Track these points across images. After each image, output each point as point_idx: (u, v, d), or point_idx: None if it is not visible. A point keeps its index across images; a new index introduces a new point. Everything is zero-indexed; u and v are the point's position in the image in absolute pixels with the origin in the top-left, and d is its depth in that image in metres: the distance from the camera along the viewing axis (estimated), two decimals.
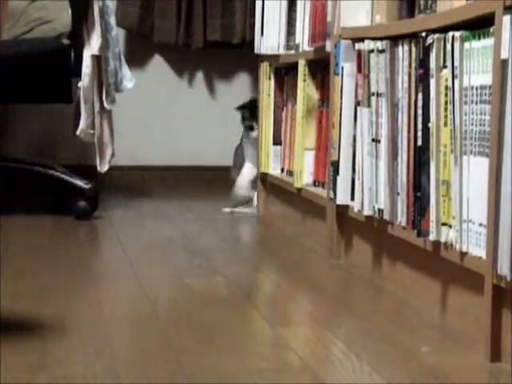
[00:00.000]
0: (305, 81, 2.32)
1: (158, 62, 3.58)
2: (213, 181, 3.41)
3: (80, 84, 2.64)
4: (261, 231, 2.68)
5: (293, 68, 2.46)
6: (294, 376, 1.26)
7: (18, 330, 1.44)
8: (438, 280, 1.57)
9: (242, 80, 3.60)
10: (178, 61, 3.58)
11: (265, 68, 2.76)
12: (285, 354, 1.36)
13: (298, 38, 2.42)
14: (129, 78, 2.84)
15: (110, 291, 1.77)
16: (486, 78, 1.35)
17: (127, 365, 1.30)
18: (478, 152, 1.38)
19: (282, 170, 2.62)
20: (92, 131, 2.67)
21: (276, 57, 2.62)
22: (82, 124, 2.66)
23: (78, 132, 2.67)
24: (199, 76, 3.61)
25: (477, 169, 1.39)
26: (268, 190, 2.80)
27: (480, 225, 1.37)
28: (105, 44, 2.65)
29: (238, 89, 3.57)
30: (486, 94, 1.36)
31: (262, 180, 2.81)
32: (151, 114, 3.57)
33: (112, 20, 2.72)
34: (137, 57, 3.52)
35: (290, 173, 2.50)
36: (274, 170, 2.68)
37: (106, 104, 2.67)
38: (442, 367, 1.29)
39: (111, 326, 1.49)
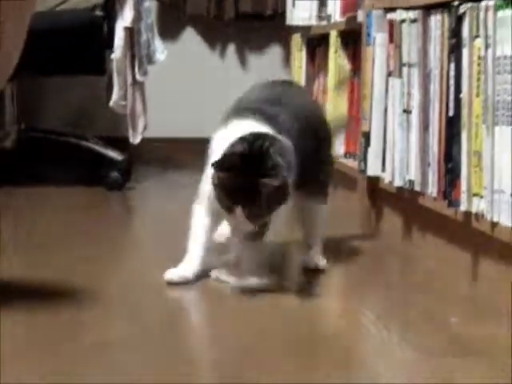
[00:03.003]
0: (336, 52, 2.31)
1: (190, 34, 3.58)
2: None
3: (113, 56, 2.65)
4: None
5: (324, 39, 2.46)
6: (323, 346, 1.27)
7: (51, 297, 1.46)
8: (469, 250, 1.57)
9: (274, 52, 3.59)
10: (209, 32, 3.58)
11: (296, 40, 2.76)
12: (315, 324, 1.37)
13: (330, 9, 2.41)
14: (161, 50, 2.84)
15: (141, 260, 1.79)
16: None
17: (159, 329, 1.32)
18: (510, 122, 1.38)
19: None
20: (124, 103, 2.69)
21: (307, 28, 2.62)
22: (115, 96, 2.68)
23: (110, 104, 2.69)
24: (231, 48, 3.60)
25: (509, 139, 1.38)
26: None
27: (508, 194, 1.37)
28: (137, 16, 2.66)
29: (269, 61, 3.56)
30: None
31: None
32: (183, 86, 3.57)
33: None
34: (169, 29, 3.53)
35: None
36: None
37: (138, 76, 2.68)
38: (472, 338, 1.29)
39: (142, 294, 1.51)
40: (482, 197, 1.47)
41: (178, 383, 1.09)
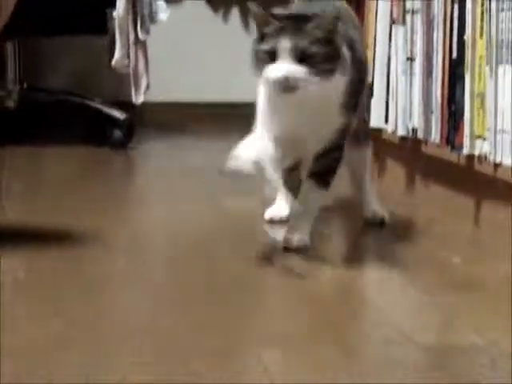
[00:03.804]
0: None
1: None
2: (245, 116, 3.40)
3: (115, 14, 2.64)
4: None
5: None
6: (327, 285, 1.27)
7: (57, 240, 1.46)
8: (472, 195, 1.56)
9: None
10: None
11: None
12: (318, 268, 1.37)
13: None
14: (164, 9, 2.83)
15: (144, 212, 1.79)
16: None
17: (160, 265, 1.32)
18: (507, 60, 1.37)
19: None
20: (127, 62, 2.68)
21: None
22: (117, 54, 2.66)
23: (112, 63, 2.68)
24: (234, 11, 3.58)
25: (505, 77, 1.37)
26: None
27: (506, 132, 1.36)
28: None
29: None
30: None
31: None
32: (186, 49, 3.56)
33: None
34: None
35: None
36: None
37: (140, 34, 2.67)
38: (474, 276, 1.29)
39: (145, 240, 1.51)
40: (484, 139, 1.46)
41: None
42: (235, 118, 3.51)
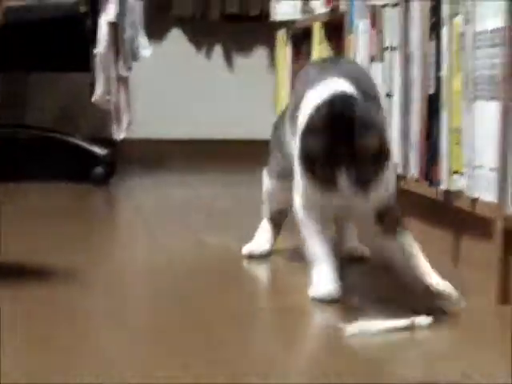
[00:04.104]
0: (320, 43, 2.31)
1: (175, 35, 3.58)
2: (227, 154, 3.41)
3: (96, 51, 2.65)
4: None
5: (308, 34, 2.46)
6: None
7: (34, 278, 1.45)
8: (450, 230, 1.56)
9: (260, 52, 3.59)
10: (195, 33, 3.58)
11: (281, 36, 2.76)
12: None
13: (314, 3, 2.42)
14: (146, 46, 2.84)
15: (124, 246, 1.78)
16: (498, 21, 1.34)
17: (139, 304, 1.31)
18: (489, 97, 1.38)
19: None
20: (108, 97, 2.68)
21: (292, 23, 2.62)
22: (98, 90, 2.67)
23: (93, 98, 2.68)
24: (217, 48, 3.60)
25: (488, 114, 1.38)
26: None
27: (491, 169, 1.36)
28: (121, 11, 2.66)
29: (255, 61, 3.57)
30: (497, 37, 1.35)
31: None
32: (169, 86, 3.57)
33: None
34: (155, 29, 3.52)
35: None
36: None
37: (122, 71, 2.68)
38: (452, 310, 1.29)
39: (125, 275, 1.50)
40: (462, 174, 1.46)
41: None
42: (218, 154, 3.52)
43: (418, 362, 1.08)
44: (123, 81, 2.72)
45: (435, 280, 1.27)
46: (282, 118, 1.53)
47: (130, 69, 2.71)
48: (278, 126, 1.55)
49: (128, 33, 2.71)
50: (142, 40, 2.84)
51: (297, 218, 1.35)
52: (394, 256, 1.30)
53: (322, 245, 1.32)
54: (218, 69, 3.60)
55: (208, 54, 3.61)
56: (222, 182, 2.88)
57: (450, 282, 1.44)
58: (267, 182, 1.58)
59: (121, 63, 2.67)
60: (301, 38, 2.62)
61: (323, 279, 1.31)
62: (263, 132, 3.10)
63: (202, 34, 3.58)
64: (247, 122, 3.17)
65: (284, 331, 1.19)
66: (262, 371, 1.00)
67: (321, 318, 1.28)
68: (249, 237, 1.63)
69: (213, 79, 3.58)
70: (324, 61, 1.55)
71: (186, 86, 3.58)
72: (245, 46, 3.60)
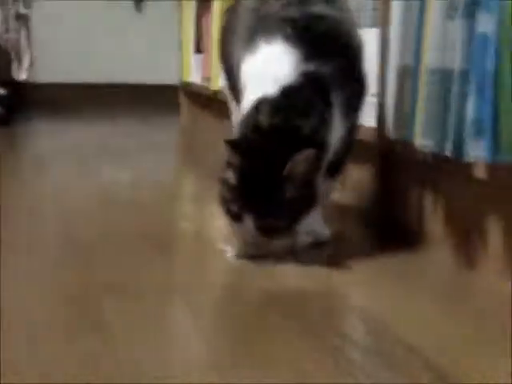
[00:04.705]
0: None
1: None
2: (128, 97, 3.37)
3: None
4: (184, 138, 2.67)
5: None
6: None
7: None
8: None
9: None
10: None
11: None
12: None
13: None
14: None
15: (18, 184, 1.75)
16: None
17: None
18: (370, 24, 1.38)
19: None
20: (6, 36, 2.61)
21: None
22: None
23: None
24: None
25: (369, 40, 1.38)
26: (190, 98, 2.79)
27: (372, 95, 1.37)
28: None
29: (164, 1, 3.51)
30: None
31: (185, 90, 2.79)
32: (74, 30, 3.49)
33: None
34: None
35: (208, 79, 2.48)
36: (194, 78, 2.66)
37: (21, 9, 2.61)
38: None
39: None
40: None
41: None
42: (119, 98, 3.46)
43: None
44: (23, 19, 2.66)
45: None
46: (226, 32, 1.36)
47: (29, 6, 2.64)
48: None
49: None
50: None
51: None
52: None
53: None
54: (126, 11, 3.52)
55: None
56: (126, 124, 2.85)
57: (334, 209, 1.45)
58: (230, 104, 1.44)
59: (20, 0, 2.61)
60: None
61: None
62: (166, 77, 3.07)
63: None
64: (154, 66, 3.11)
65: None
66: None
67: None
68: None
69: (120, 20, 3.50)
70: None
71: (90, 28, 3.50)
72: None
